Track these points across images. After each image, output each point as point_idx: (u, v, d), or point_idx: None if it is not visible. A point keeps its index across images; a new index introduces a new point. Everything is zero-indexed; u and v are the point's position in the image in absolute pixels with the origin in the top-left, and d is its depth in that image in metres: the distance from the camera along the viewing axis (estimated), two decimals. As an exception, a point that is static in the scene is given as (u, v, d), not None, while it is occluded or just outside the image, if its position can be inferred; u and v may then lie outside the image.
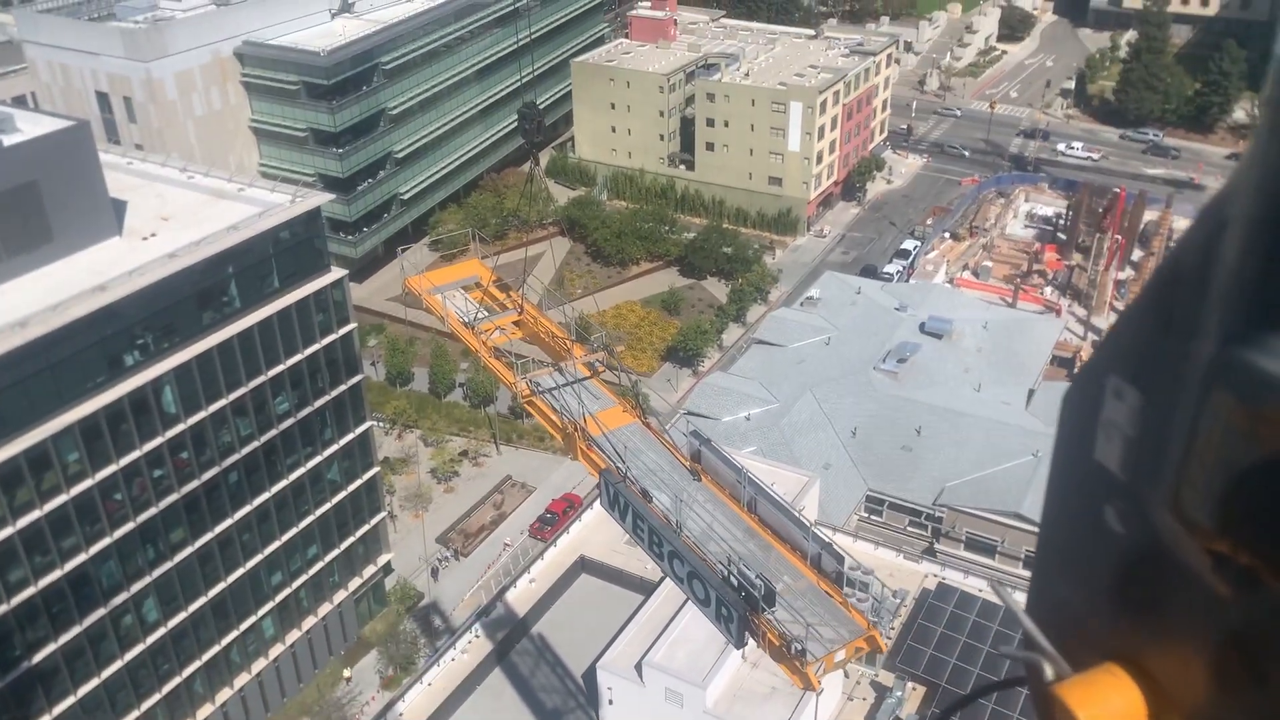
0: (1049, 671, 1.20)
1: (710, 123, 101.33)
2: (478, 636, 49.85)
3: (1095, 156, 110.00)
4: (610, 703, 44.89)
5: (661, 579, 48.63)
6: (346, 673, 60.08)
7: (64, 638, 46.20)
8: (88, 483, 45.51)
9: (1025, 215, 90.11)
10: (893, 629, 48.29)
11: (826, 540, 27.80)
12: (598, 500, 56.84)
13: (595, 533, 55.02)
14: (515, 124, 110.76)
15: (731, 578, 25.33)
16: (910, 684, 45.64)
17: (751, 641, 39.40)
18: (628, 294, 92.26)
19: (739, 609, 25.05)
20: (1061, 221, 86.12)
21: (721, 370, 72.48)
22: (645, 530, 27.66)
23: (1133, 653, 1.14)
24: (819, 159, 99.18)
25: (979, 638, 46.82)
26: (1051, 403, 58.42)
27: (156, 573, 49.48)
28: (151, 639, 50.15)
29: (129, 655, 49.26)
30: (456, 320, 34.10)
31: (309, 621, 58.79)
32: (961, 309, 69.03)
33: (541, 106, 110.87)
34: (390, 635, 61.39)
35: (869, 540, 51.96)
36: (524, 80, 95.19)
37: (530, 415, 33.00)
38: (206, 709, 53.95)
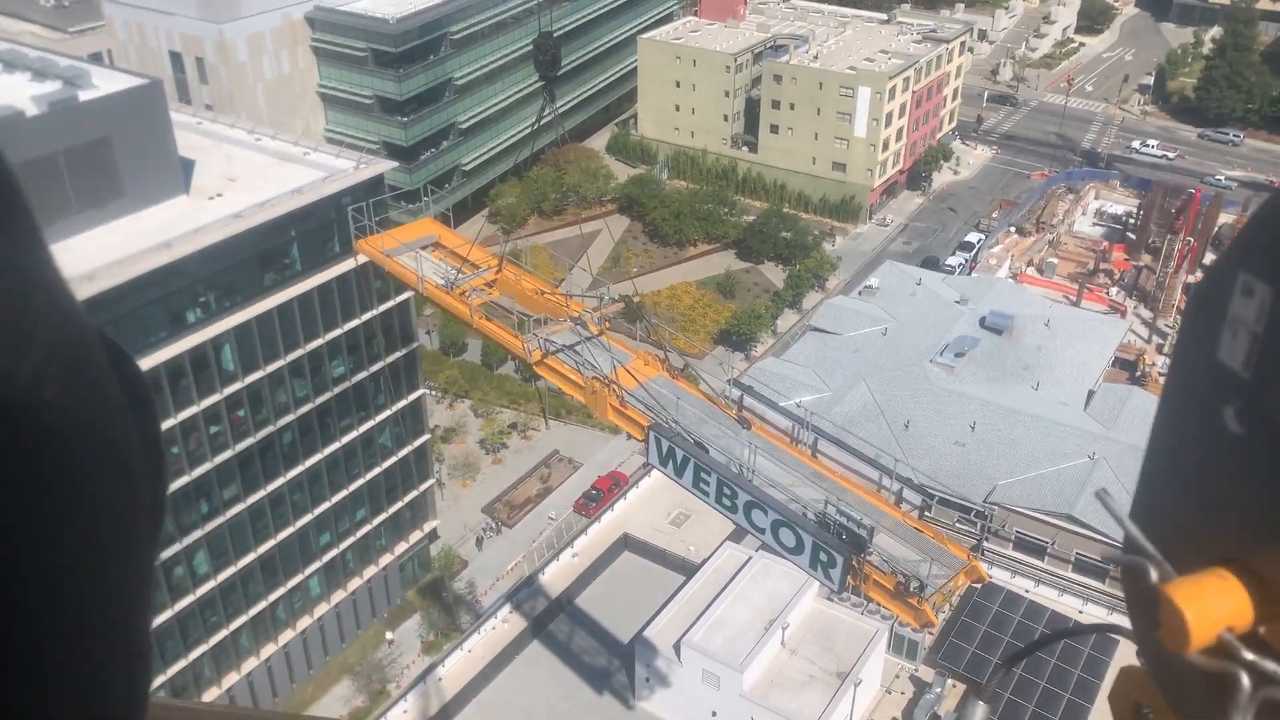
0: (1154, 575, 1.21)
1: (776, 105, 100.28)
2: (519, 607, 50.25)
3: (1171, 155, 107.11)
4: (647, 680, 45.03)
5: (703, 561, 48.59)
6: (389, 635, 60.93)
7: (118, 585, 47.35)
8: (146, 435, 46.45)
9: (1094, 213, 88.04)
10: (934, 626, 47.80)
11: (908, 477, 26.71)
12: (644, 479, 56.94)
13: (639, 512, 55.09)
14: (579, 100, 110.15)
15: (831, 520, 23.99)
16: (950, 680, 45.15)
17: (791, 626, 38.61)
18: (684, 275, 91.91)
19: (844, 552, 23.77)
20: (1132, 221, 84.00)
21: (774, 356, 71.96)
22: (712, 483, 25.72)
23: (1242, 555, 1.15)
24: (885, 146, 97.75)
25: (1023, 638, 46.14)
26: (1111, 405, 57.17)
27: (209, 527, 50.51)
28: (201, 591, 51.26)
29: (179, 605, 50.40)
30: (434, 285, 31.51)
31: (354, 583, 59.69)
32: (1023, 305, 67.71)
33: (607, 82, 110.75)
34: (433, 601, 62.11)
35: (916, 534, 51.32)
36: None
37: (542, 379, 30.60)
38: (251, 663, 55.08)
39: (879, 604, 25.87)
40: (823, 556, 24.22)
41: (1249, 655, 1.09)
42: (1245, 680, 1.09)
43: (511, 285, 31.81)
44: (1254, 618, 1.13)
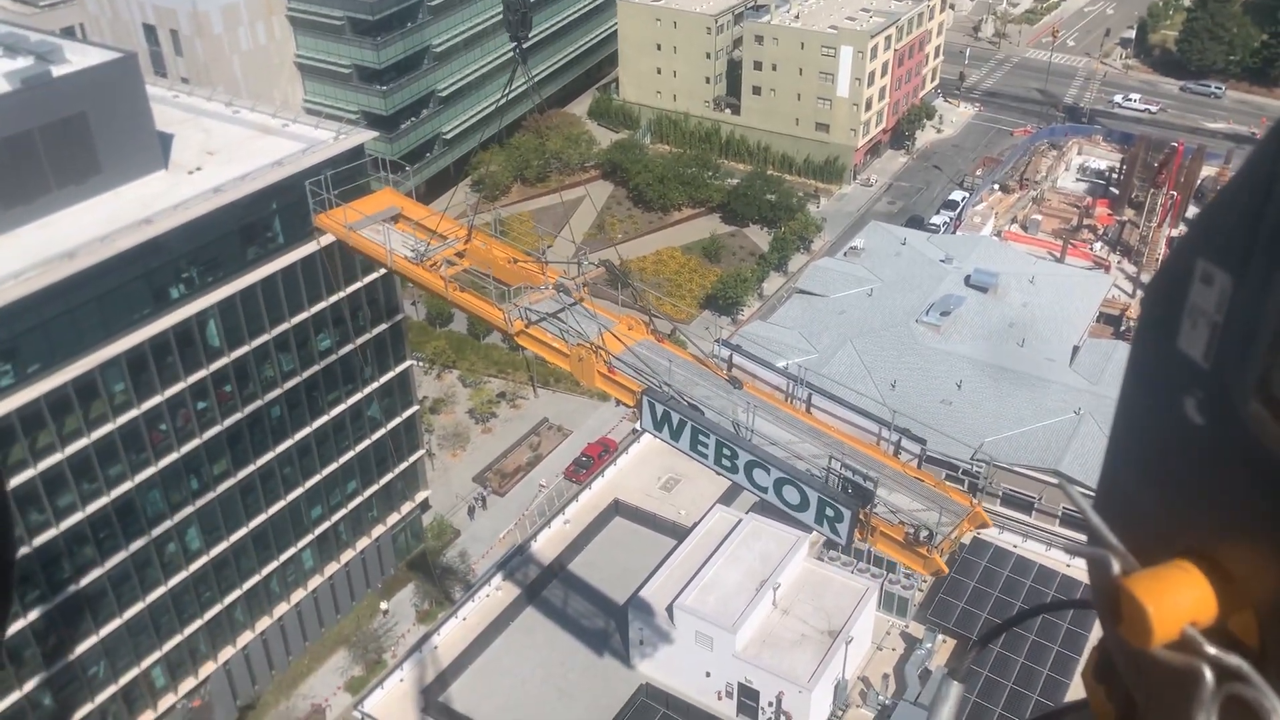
0: (1116, 567, 1.18)
1: (758, 66, 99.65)
2: (512, 574, 50.53)
3: (1153, 109, 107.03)
4: (641, 643, 45.44)
5: (694, 524, 48.90)
6: (383, 605, 61.24)
7: (110, 562, 47.43)
8: (133, 413, 46.36)
9: (1077, 168, 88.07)
10: (925, 581, 48.28)
11: (905, 428, 26.44)
12: (633, 445, 57.10)
13: (629, 478, 55.31)
14: (559, 64, 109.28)
15: (835, 475, 23.76)
16: (940, 636, 45.69)
17: (783, 586, 38.69)
18: (668, 240, 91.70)
19: (851, 506, 23.59)
20: (1115, 176, 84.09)
21: (761, 319, 72.02)
22: (710, 445, 25.40)
23: (1205, 548, 1.12)
24: (868, 105, 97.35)
25: (1012, 593, 46.70)
26: (1096, 360, 57.53)
27: (200, 502, 50.52)
28: (194, 566, 51.35)
29: (173, 581, 50.51)
30: (403, 258, 30.56)
31: (347, 554, 59.89)
32: (1008, 263, 67.88)
33: (587, 46, 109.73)
34: (426, 570, 62.39)
35: (904, 493, 51.65)
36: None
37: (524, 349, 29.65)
38: (246, 636, 55.32)
39: (888, 555, 25.72)
40: (829, 512, 23.98)
41: (1212, 650, 1.06)
42: (1209, 675, 1.06)
43: (482, 255, 31.02)
44: (1218, 611, 1.09)
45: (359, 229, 31.98)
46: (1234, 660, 1.05)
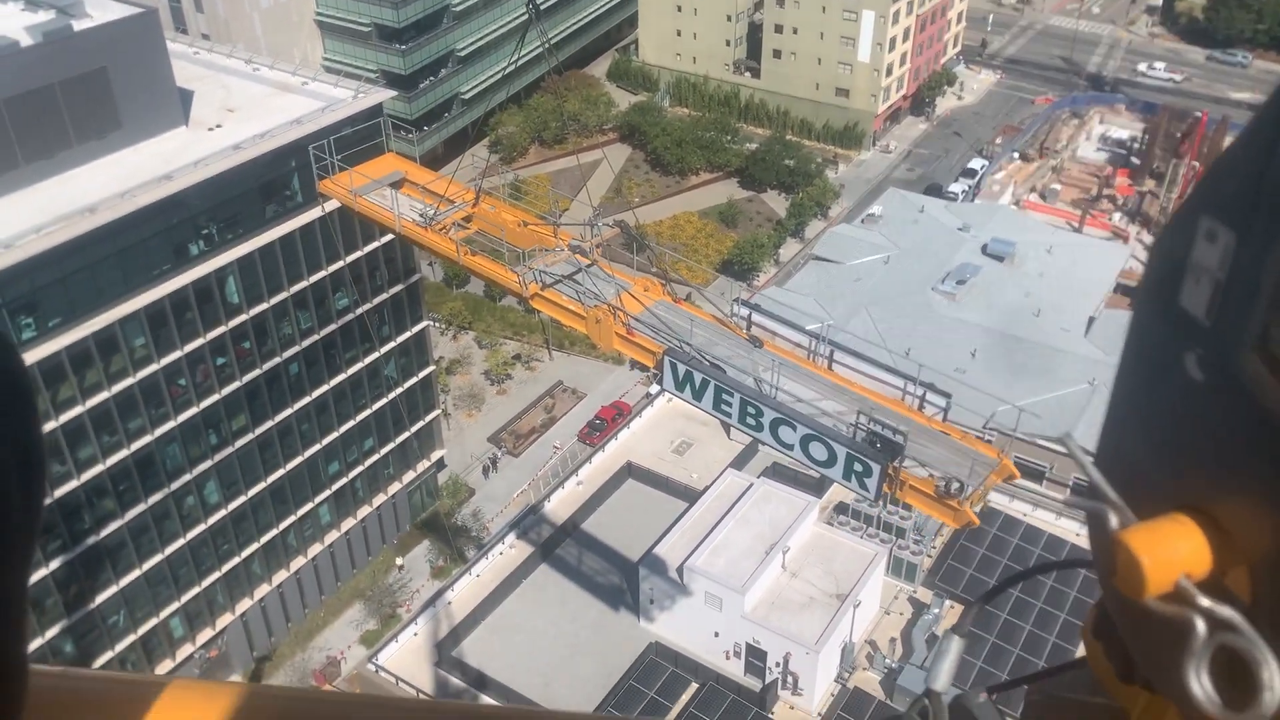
0: (1114, 521, 1.21)
1: (779, 29, 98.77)
2: (525, 533, 51.14)
3: (1178, 78, 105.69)
4: (651, 602, 46.03)
5: (706, 487, 49.33)
6: (398, 561, 62.05)
7: (130, 514, 48.20)
8: (153, 367, 46.91)
9: (1099, 138, 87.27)
10: (934, 547, 48.65)
11: (930, 382, 26.43)
12: (646, 409, 57.45)
13: (642, 440, 55.70)
14: (579, 24, 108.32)
15: (863, 429, 23.75)
16: (948, 602, 46.12)
17: (792, 549, 39.00)
18: (686, 204, 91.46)
19: (880, 460, 23.64)
20: (1137, 145, 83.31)
21: (777, 285, 71.98)
22: (734, 404, 25.42)
23: (1201, 502, 1.14)
24: (889, 71, 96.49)
25: (1020, 561, 47.03)
26: (1112, 332, 57.39)
27: (218, 457, 51.17)
28: (213, 520, 52.12)
29: (191, 534, 51.30)
30: (412, 224, 30.03)
31: (364, 511, 60.62)
32: (1026, 232, 67.56)
33: (606, 7, 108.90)
34: (440, 528, 63.13)
35: (916, 460, 51.83)
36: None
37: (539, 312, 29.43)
38: (263, 589, 56.20)
39: (918, 508, 25.77)
40: (857, 467, 23.96)
41: (1204, 601, 1.08)
42: (1200, 626, 1.08)
43: (490, 218, 30.64)
44: (1213, 565, 1.12)
45: (364, 194, 31.70)
46: (1225, 611, 1.06)
